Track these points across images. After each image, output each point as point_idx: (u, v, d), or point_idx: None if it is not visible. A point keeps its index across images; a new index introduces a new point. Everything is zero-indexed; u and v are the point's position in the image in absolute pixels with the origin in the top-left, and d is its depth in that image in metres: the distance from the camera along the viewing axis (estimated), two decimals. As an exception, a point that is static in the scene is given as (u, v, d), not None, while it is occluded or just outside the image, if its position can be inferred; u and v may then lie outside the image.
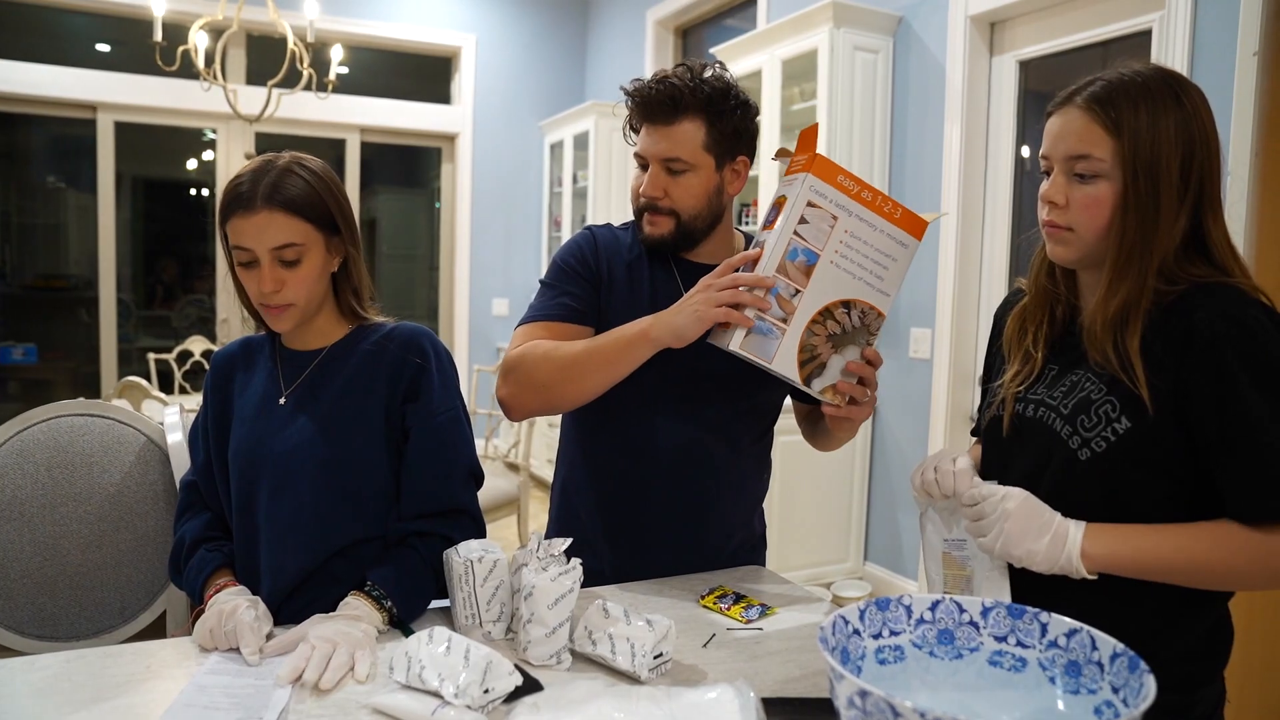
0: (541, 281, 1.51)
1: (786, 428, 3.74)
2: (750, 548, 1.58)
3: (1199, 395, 1.00)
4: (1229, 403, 0.98)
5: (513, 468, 3.90)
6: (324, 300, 1.33)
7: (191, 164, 5.89)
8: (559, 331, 1.42)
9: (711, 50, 4.35)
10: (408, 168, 6.55)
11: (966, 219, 3.31)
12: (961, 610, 0.97)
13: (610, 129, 5.55)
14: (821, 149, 3.56)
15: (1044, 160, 1.11)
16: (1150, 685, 0.79)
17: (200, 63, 3.53)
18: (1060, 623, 0.92)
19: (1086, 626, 0.90)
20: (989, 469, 1.23)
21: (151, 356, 4.84)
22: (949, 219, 3.33)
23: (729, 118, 1.39)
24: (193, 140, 5.71)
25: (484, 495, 1.50)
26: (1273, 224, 2.18)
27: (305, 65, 3.71)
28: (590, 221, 5.61)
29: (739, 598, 1.35)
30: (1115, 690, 0.85)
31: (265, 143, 5.63)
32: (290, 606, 1.25)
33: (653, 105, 1.38)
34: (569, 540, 1.19)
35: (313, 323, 1.34)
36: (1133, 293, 1.04)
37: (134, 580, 1.61)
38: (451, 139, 6.01)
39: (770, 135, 3.89)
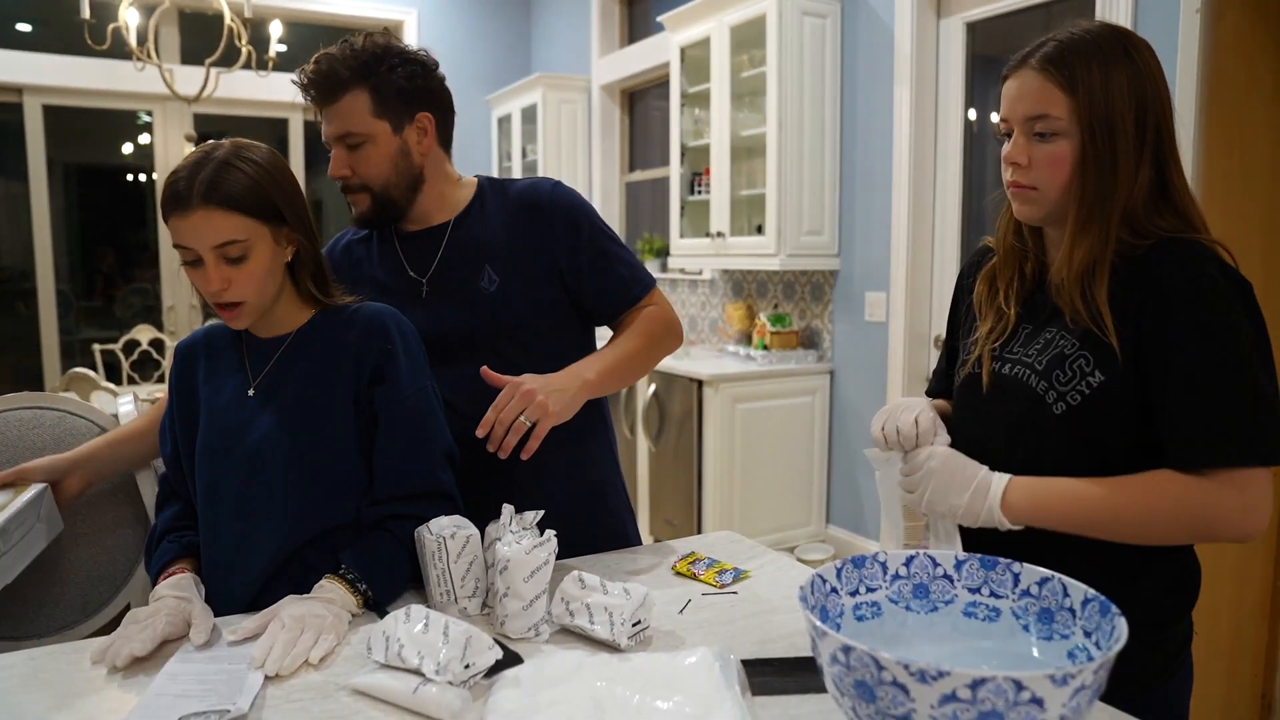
0: None
1: (745, 394, 3.75)
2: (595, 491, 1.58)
3: (1150, 346, 1.03)
4: (1172, 353, 1.01)
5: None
6: (282, 289, 1.30)
7: (128, 148, 5.71)
8: None
9: (658, 19, 4.32)
10: (354, 146, 6.40)
11: (918, 182, 3.34)
12: (935, 564, 0.99)
13: (559, 101, 5.50)
14: (771, 117, 3.57)
15: (1003, 123, 1.12)
16: (1122, 627, 0.81)
17: (132, 41, 3.40)
18: (1032, 572, 0.94)
19: (1058, 575, 0.92)
20: (964, 425, 1.25)
21: (96, 347, 4.71)
22: (900, 181, 3.36)
23: (391, 77, 1.40)
24: (128, 123, 5.53)
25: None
26: (1218, 177, 2.24)
27: (244, 43, 3.60)
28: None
29: (712, 563, 1.36)
30: (1088, 634, 0.87)
31: (204, 124, 5.47)
32: (267, 595, 1.23)
33: (315, 88, 1.40)
34: (540, 513, 1.19)
35: (273, 312, 1.30)
36: (1097, 245, 1.06)
37: (94, 575, 1.57)
38: (397, 115, 5.88)
39: (720, 104, 3.88)
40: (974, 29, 3.25)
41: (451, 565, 1.18)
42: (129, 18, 3.40)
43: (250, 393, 1.28)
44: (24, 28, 5.26)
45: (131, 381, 4.68)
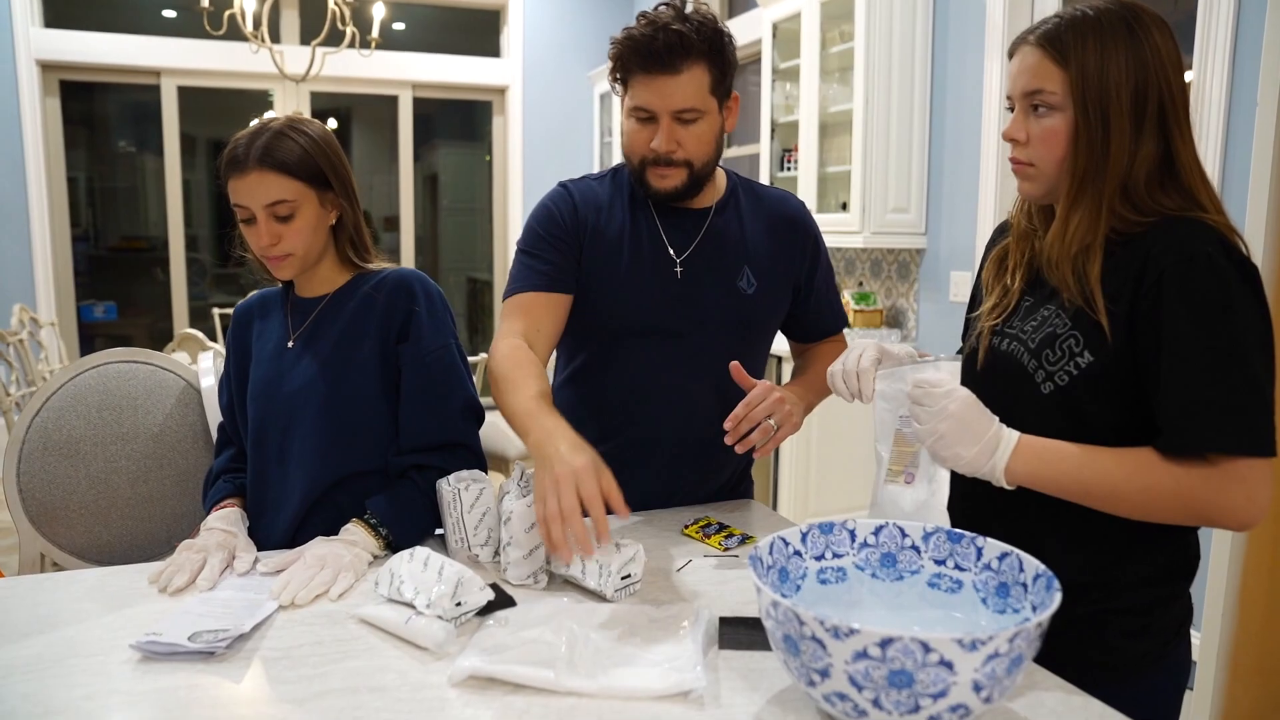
0: (519, 247, 1.49)
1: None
2: (736, 482, 1.64)
3: (1143, 327, 1.02)
4: (1166, 335, 0.99)
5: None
6: (325, 250, 1.43)
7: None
8: (538, 305, 1.42)
9: (752, -7, 4.29)
10: (467, 122, 6.63)
11: (1006, 159, 3.23)
12: (904, 535, 1.02)
13: (658, 77, 5.53)
14: (858, 92, 3.51)
15: (1008, 100, 1.13)
16: (1053, 600, 0.82)
17: (248, 25, 3.64)
18: (994, 547, 0.96)
19: (1017, 550, 0.94)
20: None
21: (216, 311, 5.08)
22: (989, 159, 3.27)
23: (725, 56, 1.37)
24: (257, 102, 5.89)
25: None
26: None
27: (348, 24, 3.79)
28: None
29: (722, 527, 1.41)
30: (1034, 609, 0.89)
31: (321, 101, 5.78)
32: (302, 533, 1.36)
33: (657, 55, 1.32)
34: None
35: (316, 271, 1.44)
36: (1088, 222, 1.05)
37: (177, 512, 1.75)
38: (501, 92, 6.06)
39: (810, 79, 3.84)
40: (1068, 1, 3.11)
41: (465, 515, 1.27)
42: (245, 4, 3.64)
43: (290, 344, 1.42)
44: (169, 14, 5.67)
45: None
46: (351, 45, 3.86)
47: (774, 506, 3.74)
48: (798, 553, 1.00)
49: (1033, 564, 0.91)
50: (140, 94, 5.48)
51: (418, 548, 1.13)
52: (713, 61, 1.35)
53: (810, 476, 3.66)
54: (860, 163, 3.55)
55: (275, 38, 5.31)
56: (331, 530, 1.31)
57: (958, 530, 0.99)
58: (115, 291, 5.98)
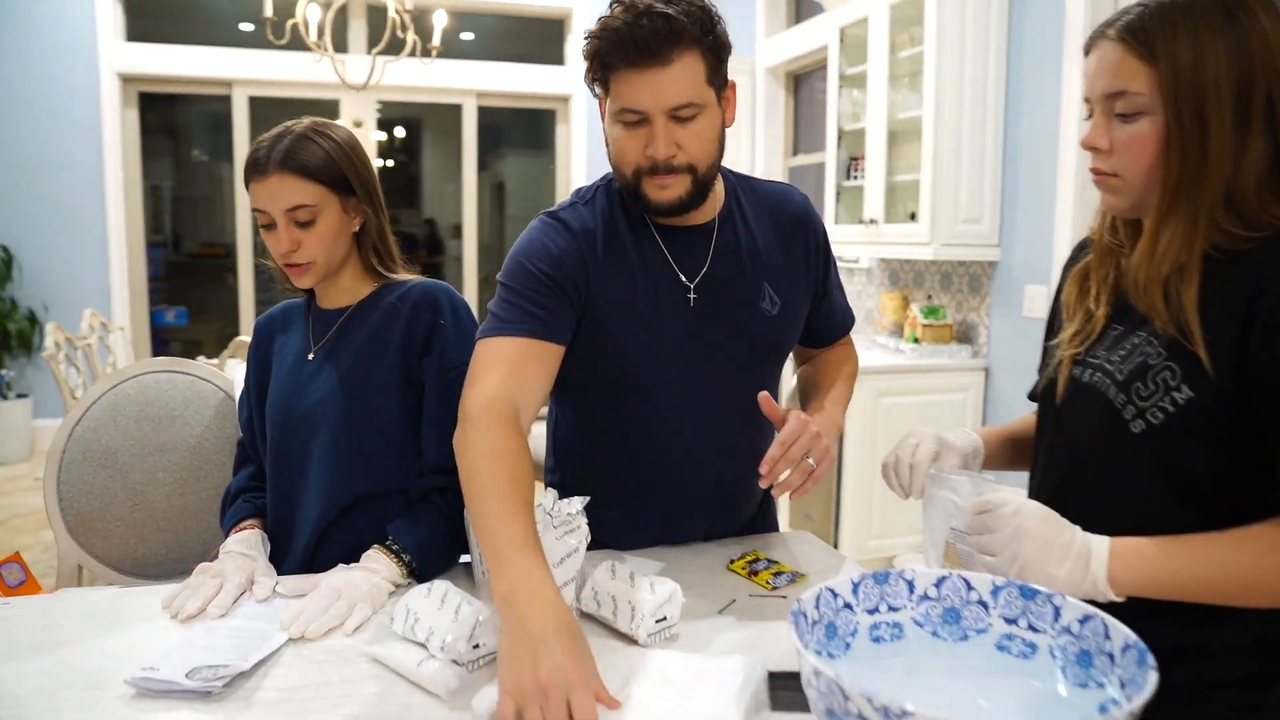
0: (502, 281, 1.26)
1: (891, 389, 3.58)
2: (766, 510, 1.53)
3: (1260, 360, 0.88)
4: None
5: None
6: (347, 259, 1.37)
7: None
8: (529, 355, 1.19)
9: (819, -3, 4.17)
10: (534, 130, 6.63)
11: (1085, 169, 3.05)
12: (970, 587, 0.90)
13: (722, 85, 5.44)
14: (928, 97, 3.36)
15: (1085, 103, 1.00)
16: (1150, 682, 0.70)
17: (311, 35, 3.66)
18: (1074, 607, 0.84)
19: (1100, 612, 0.81)
20: (1041, 439, 1.14)
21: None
22: (1067, 167, 3.08)
23: (719, 38, 1.18)
24: (327, 111, 5.98)
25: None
26: None
27: (409, 32, 3.79)
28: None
29: (770, 563, 1.31)
30: (1123, 685, 0.76)
31: (391, 110, 5.84)
32: (321, 554, 1.30)
33: (643, 44, 1.12)
34: (585, 499, 1.18)
35: (338, 281, 1.38)
36: (1182, 237, 0.93)
37: (213, 527, 1.70)
38: (565, 100, 6.04)
39: (878, 85, 3.70)
40: None
41: (492, 545, 1.19)
42: (310, 14, 3.66)
43: (310, 357, 1.36)
44: (246, 27, 5.80)
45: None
46: (413, 54, 3.85)
47: (835, 537, 3.59)
48: (848, 605, 0.89)
49: (1121, 631, 0.79)
50: (214, 104, 5.61)
51: (436, 582, 1.05)
52: (707, 46, 1.16)
53: (874, 503, 3.51)
54: (930, 171, 3.40)
55: (342, 47, 5.37)
56: (351, 554, 1.24)
57: (1030, 585, 0.87)
58: (189, 297, 6.14)
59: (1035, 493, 1.13)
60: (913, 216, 3.67)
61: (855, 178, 4.12)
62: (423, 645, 0.98)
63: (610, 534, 1.34)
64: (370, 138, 5.92)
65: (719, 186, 1.35)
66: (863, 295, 4.54)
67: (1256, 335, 0.88)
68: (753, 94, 5.50)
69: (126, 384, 1.72)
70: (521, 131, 6.70)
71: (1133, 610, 0.92)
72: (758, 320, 1.33)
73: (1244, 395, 0.90)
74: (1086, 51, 0.99)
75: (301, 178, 1.28)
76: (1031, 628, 0.87)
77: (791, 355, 1.51)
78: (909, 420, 3.50)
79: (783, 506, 4.02)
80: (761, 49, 5.37)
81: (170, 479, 1.69)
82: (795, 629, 0.78)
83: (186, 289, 6.17)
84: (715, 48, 1.17)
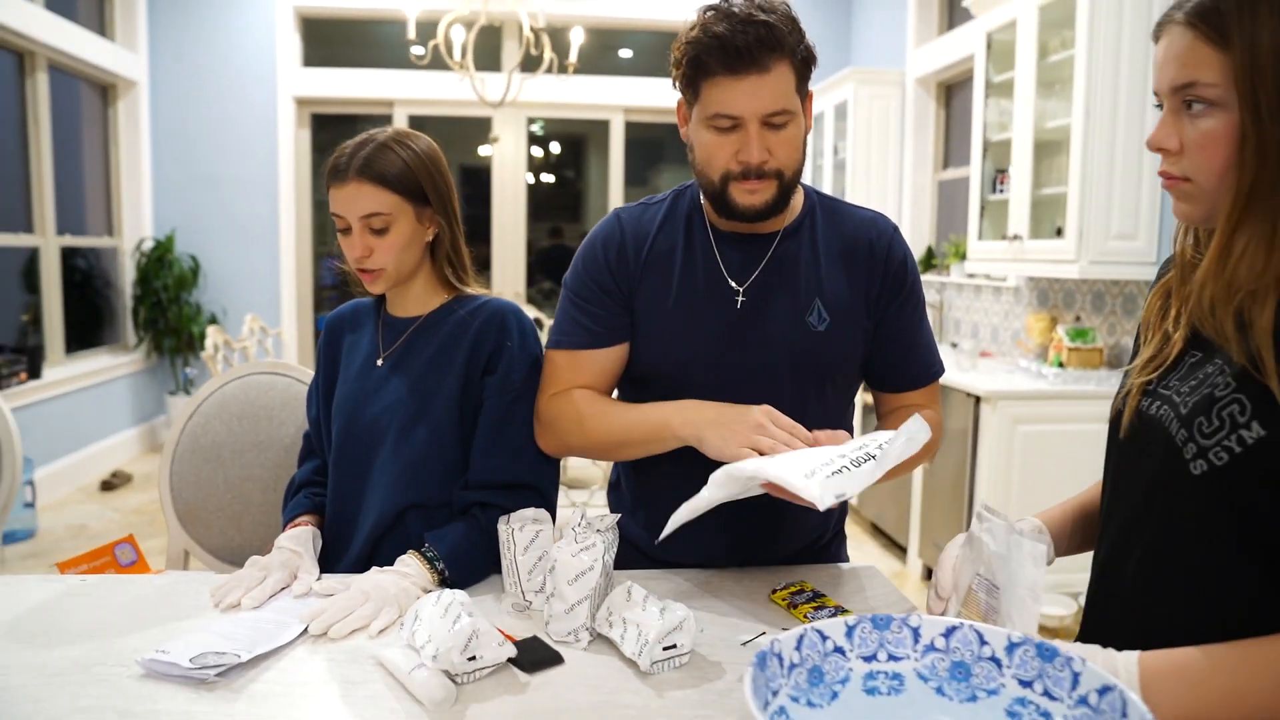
0: (565, 284, 1.38)
1: (1028, 415, 3.33)
2: (827, 542, 1.44)
3: None
4: None
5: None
6: (420, 269, 1.40)
7: (485, 150, 6.45)
8: (581, 364, 1.33)
9: (964, 3, 3.97)
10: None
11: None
12: (983, 641, 0.81)
13: (870, 96, 5.27)
14: (1079, 105, 3.12)
15: (1155, 97, 0.88)
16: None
17: (454, 55, 3.83)
18: (1094, 675, 0.73)
19: (1121, 685, 0.71)
20: (1107, 476, 1.02)
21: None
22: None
23: (808, 49, 1.22)
24: (481, 128, 6.24)
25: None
26: None
27: (547, 50, 3.90)
28: (850, 197, 5.37)
29: (815, 596, 1.23)
30: (1132, 769, 0.66)
31: (550, 126, 6.02)
32: (378, 555, 1.34)
33: (745, 52, 1.15)
34: (616, 515, 1.16)
35: (409, 289, 1.41)
36: (1257, 253, 0.80)
37: (273, 521, 1.79)
38: (711, 115, 6.02)
39: (1025, 93, 3.47)
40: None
41: (519, 557, 1.18)
42: (454, 34, 3.84)
43: (379, 363, 1.40)
44: (418, 50, 6.15)
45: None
46: (549, 71, 3.96)
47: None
48: (839, 649, 0.82)
49: (1139, 709, 0.68)
50: (377, 123, 5.96)
51: (447, 591, 1.05)
52: (799, 56, 1.20)
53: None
54: (1078, 183, 3.15)
55: (495, 66, 5.60)
56: (401, 554, 1.26)
57: (1052, 644, 0.77)
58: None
59: (1098, 544, 1.01)
60: (1059, 232, 3.42)
61: (1000, 191, 3.88)
62: (419, 652, 0.98)
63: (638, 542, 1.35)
64: (521, 153, 6.13)
65: (796, 201, 1.35)
66: (1009, 315, 4.26)
67: None
68: (902, 105, 5.30)
69: (233, 384, 1.84)
70: (679, 146, 6.74)
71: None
72: (801, 333, 1.29)
73: None
74: (1156, 38, 0.87)
75: (378, 186, 1.32)
76: (1047, 694, 0.77)
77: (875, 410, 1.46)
78: (1047, 450, 3.25)
79: (912, 535, 3.82)
80: (911, 58, 5.16)
81: (265, 475, 1.79)
82: (750, 680, 0.72)
83: (351, 297, 6.57)
84: (805, 58, 1.21)
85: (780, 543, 1.38)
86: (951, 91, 5.17)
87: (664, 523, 1.08)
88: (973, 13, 3.90)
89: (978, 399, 3.33)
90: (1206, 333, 0.86)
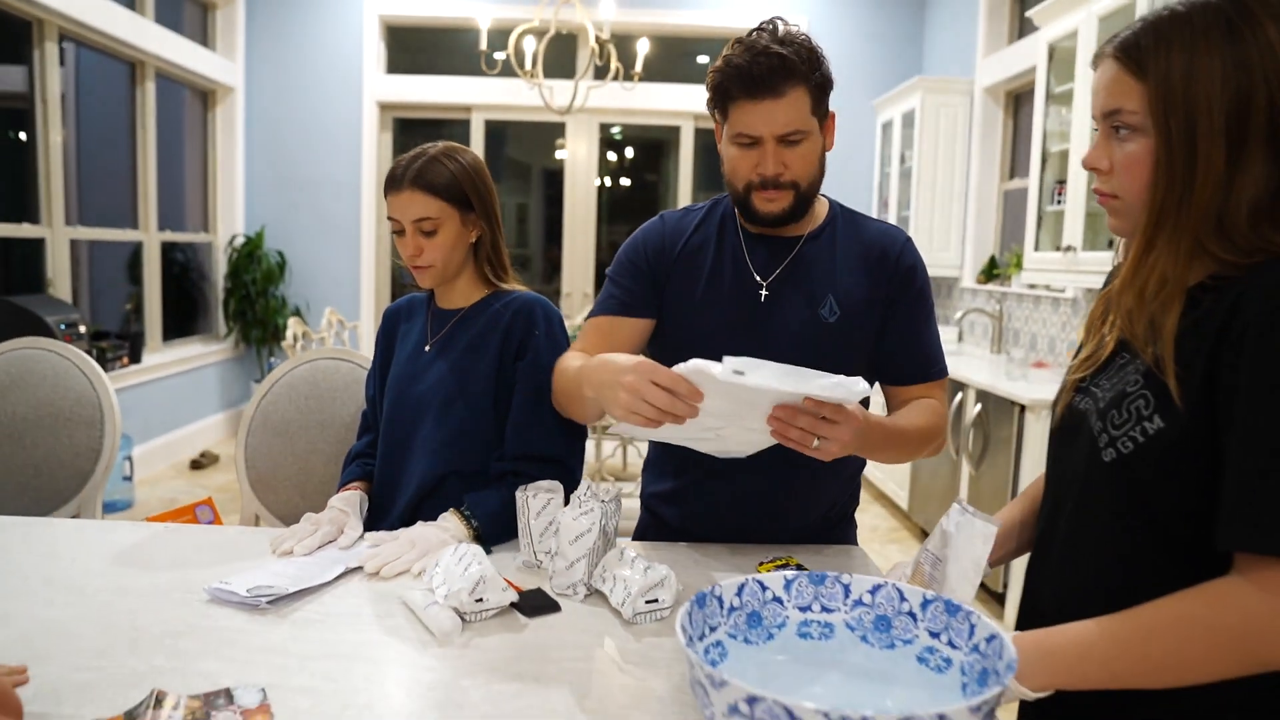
0: (606, 273, 1.56)
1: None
2: (834, 523, 1.56)
3: (1222, 392, 0.84)
4: (1237, 403, 0.82)
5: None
6: (464, 266, 1.59)
7: (561, 154, 6.67)
8: (607, 327, 1.49)
9: (1028, 13, 3.99)
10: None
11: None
12: (903, 598, 0.94)
13: (938, 104, 5.30)
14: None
15: (1093, 122, 0.99)
16: (1006, 677, 0.73)
17: (525, 65, 4.04)
18: (985, 626, 0.85)
19: (1002, 633, 0.83)
20: (1048, 471, 1.12)
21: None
22: None
23: (825, 75, 1.37)
24: (553, 133, 6.46)
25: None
26: None
27: (613, 59, 4.07)
28: (915, 205, 5.41)
29: (800, 570, 1.35)
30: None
31: (627, 132, 6.20)
32: (420, 516, 1.52)
33: (760, 79, 1.32)
34: (620, 486, 1.31)
35: (455, 285, 1.60)
36: (1165, 263, 0.89)
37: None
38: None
39: (1084, 104, 3.49)
40: None
41: (532, 521, 1.34)
42: (526, 44, 4.04)
43: (427, 348, 1.59)
44: (499, 55, 6.39)
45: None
46: (615, 79, 4.13)
47: (1003, 595, 3.41)
48: (778, 599, 0.95)
49: (1010, 649, 0.80)
50: (456, 128, 6.26)
51: (465, 545, 1.22)
52: (814, 82, 1.36)
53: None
54: (1128, 196, 3.16)
55: (570, 73, 5.82)
56: (439, 514, 1.45)
57: (956, 602, 0.89)
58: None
59: (1036, 532, 1.11)
60: (1110, 244, 3.43)
61: (1059, 202, 3.89)
62: (434, 591, 1.15)
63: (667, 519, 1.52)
64: (593, 158, 6.33)
65: (820, 210, 1.52)
66: (1066, 327, 4.26)
67: (1221, 364, 0.84)
68: (969, 114, 5.31)
69: (302, 367, 2.05)
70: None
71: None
72: (813, 323, 1.44)
73: (1213, 430, 0.86)
74: (1094, 68, 0.98)
75: (428, 194, 1.51)
76: (951, 643, 0.89)
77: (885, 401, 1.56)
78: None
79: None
80: (981, 67, 5.17)
81: (327, 449, 1.99)
82: (699, 609, 0.86)
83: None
84: (820, 84, 1.37)
85: (793, 521, 1.51)
86: (1019, 101, 5.16)
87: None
88: (1035, 23, 3.92)
89: (1022, 407, 3.37)
90: (1124, 334, 0.96)
